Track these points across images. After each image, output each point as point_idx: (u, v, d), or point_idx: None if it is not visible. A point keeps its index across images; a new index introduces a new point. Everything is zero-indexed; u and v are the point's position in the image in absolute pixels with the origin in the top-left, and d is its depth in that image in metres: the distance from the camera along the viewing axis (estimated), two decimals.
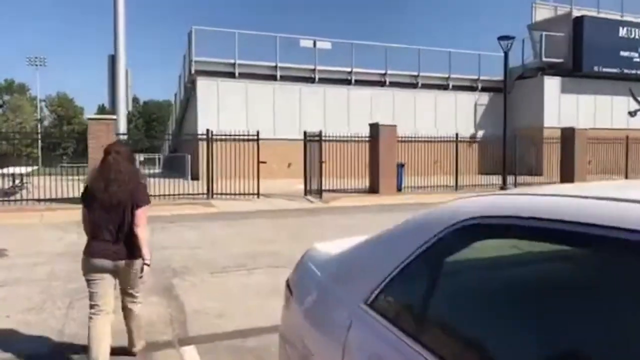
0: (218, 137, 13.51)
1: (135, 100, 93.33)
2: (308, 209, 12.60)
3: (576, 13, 25.88)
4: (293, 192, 15.64)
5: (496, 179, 17.22)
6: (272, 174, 18.65)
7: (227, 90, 21.82)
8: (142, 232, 3.33)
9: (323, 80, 23.79)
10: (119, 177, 3.32)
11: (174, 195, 13.10)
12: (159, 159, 36.38)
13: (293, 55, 23.64)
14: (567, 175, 18.07)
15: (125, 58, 23.08)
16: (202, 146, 14.54)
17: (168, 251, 7.30)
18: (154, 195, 13.00)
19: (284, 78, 23.10)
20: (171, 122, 33.38)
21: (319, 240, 2.52)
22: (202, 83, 21.63)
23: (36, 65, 68.79)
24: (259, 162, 13.63)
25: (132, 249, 3.35)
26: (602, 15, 26.53)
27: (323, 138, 13.97)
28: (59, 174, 13.69)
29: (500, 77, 28.08)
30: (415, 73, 25.71)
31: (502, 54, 27.85)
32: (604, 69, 26.07)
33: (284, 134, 22.23)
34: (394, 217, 2.49)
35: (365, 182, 15.78)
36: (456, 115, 26.36)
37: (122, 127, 22.24)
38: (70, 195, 12.71)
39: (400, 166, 15.89)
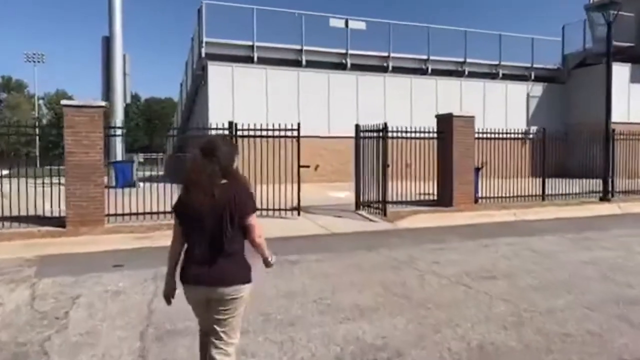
0: (245, 132, 9.85)
1: (136, 97, 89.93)
2: (373, 233, 8.93)
3: None
4: (336, 205, 11.97)
5: (588, 185, 13.52)
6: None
7: (243, 77, 18.17)
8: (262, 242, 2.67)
9: (356, 67, 20.13)
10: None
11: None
12: (161, 160, 32.78)
13: (321, 38, 19.99)
14: None
15: (122, 40, 19.47)
16: None
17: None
18: (142, 214, 9.37)
19: (310, 64, 19.44)
20: (176, 117, 29.63)
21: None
22: (214, 69, 17.98)
23: (34, 62, 65.68)
24: (299, 166, 9.97)
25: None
26: None
27: (384, 134, 10.27)
28: (42, 176, 10.09)
29: (556, 65, 24.53)
30: (461, 59, 22.03)
31: (559, 39, 24.42)
32: None
33: (310, 130, 18.51)
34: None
35: (427, 189, 12.07)
36: (506, 107, 22.69)
37: (119, 119, 18.67)
38: (35, 213, 9.07)
39: (477, 170, 12.23)
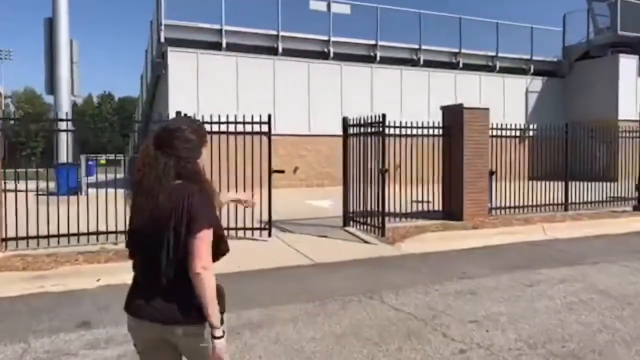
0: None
1: (110, 96, 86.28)
2: (371, 263, 6.58)
3: None
4: (319, 218, 9.63)
5: (603, 189, 11.39)
6: (273, 182, 12.56)
7: (210, 66, 15.68)
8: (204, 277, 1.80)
9: (339, 56, 17.79)
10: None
11: (109, 233, 7.00)
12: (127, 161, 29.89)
13: (300, 22, 17.59)
14: None
15: (68, 23, 16.80)
16: None
17: None
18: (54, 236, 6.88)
19: (287, 52, 17.04)
20: (137, 114, 26.80)
21: None
22: (175, 56, 15.45)
23: (1, 58, 62.34)
24: (271, 170, 7.56)
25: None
26: None
27: (383, 129, 7.88)
28: None
29: (557, 58, 22.57)
30: (456, 50, 19.88)
31: (560, 29, 22.45)
32: None
33: (288, 127, 16.20)
34: None
35: (423, 194, 9.67)
36: (504, 103, 20.59)
37: (64, 113, 15.90)
38: None
39: (490, 174, 10.00)
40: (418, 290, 5.24)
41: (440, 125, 9.69)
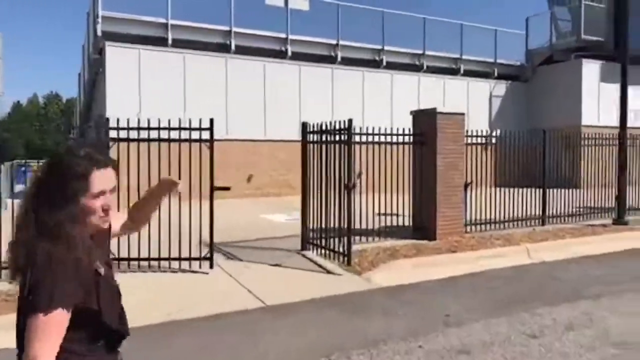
0: (130, 132, 5.97)
1: (57, 96, 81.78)
2: (336, 303, 5.34)
3: None
4: (274, 238, 8.36)
5: (573, 198, 10.65)
6: (223, 193, 11.18)
7: (154, 63, 14.14)
8: None
9: (298, 56, 16.56)
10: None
11: None
12: None
13: (255, 18, 16.27)
14: None
15: None
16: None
17: None
18: None
19: (241, 50, 15.67)
20: (75, 117, 24.66)
21: None
22: (114, 51, 13.83)
23: None
24: (214, 187, 6.22)
25: None
26: None
27: (349, 136, 6.65)
28: None
29: (521, 62, 22.10)
30: (419, 51, 19.02)
31: (524, 32, 22.01)
32: None
33: (242, 131, 14.87)
34: None
35: (388, 206, 8.49)
36: (468, 107, 19.86)
37: None
38: None
39: (465, 187, 8.99)
40: (397, 349, 4.06)
41: (411, 132, 8.61)
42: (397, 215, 8.73)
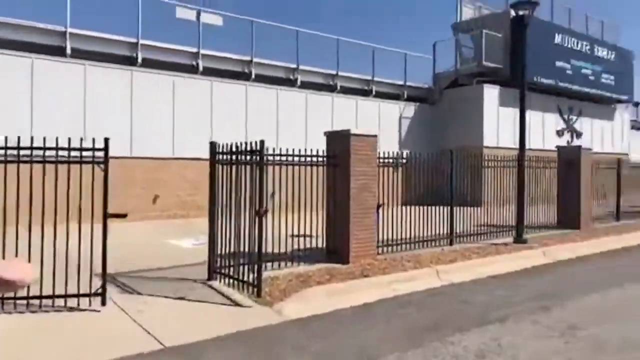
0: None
1: None
2: (243, 342, 4.96)
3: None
4: (179, 266, 7.79)
5: (485, 216, 11.16)
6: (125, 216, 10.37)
7: (50, 75, 12.97)
8: None
9: (210, 72, 16.03)
10: None
11: None
12: None
13: (165, 31, 15.59)
14: (571, 205, 12.77)
15: None
16: None
17: None
18: None
19: (149, 63, 14.87)
20: None
21: None
22: (2, 60, 12.51)
23: None
24: (107, 214, 5.61)
25: None
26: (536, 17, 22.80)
27: (261, 157, 6.34)
28: None
29: (428, 85, 23.08)
30: (333, 72, 19.24)
31: (431, 57, 23.03)
32: (542, 80, 22.32)
33: (148, 149, 14.05)
34: None
35: (301, 226, 8.30)
36: (379, 128, 20.37)
37: None
38: None
39: (378, 208, 9.00)
40: None
41: (324, 153, 8.47)
42: (312, 236, 8.53)
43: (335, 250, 8.28)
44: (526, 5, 10.60)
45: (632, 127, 31.64)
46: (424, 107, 22.26)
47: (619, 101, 27.80)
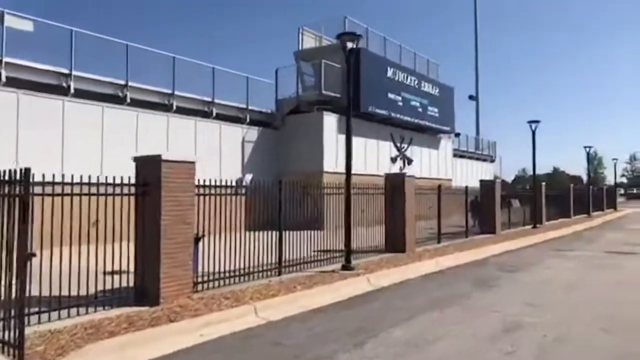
0: None
1: None
2: None
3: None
4: None
5: (323, 239, 11.10)
6: None
7: None
8: None
9: (18, 83, 13.91)
10: None
11: None
12: None
13: None
14: (397, 229, 13.35)
15: None
16: None
17: None
18: None
19: None
20: None
21: None
22: None
23: None
24: None
25: None
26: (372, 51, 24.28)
27: (26, 188, 5.19)
28: None
29: (271, 110, 23.00)
30: (169, 91, 18.13)
31: (274, 82, 23.05)
32: (377, 110, 23.70)
33: None
34: None
35: (115, 261, 7.28)
36: (221, 152, 19.77)
37: None
38: None
39: (197, 241, 8.23)
40: None
41: (134, 181, 7.51)
42: (120, 273, 7.48)
43: (144, 290, 7.31)
44: (351, 37, 10.86)
45: (455, 155, 35.34)
46: (267, 132, 22.15)
47: (443, 132, 30.84)
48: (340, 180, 12.33)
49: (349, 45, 10.78)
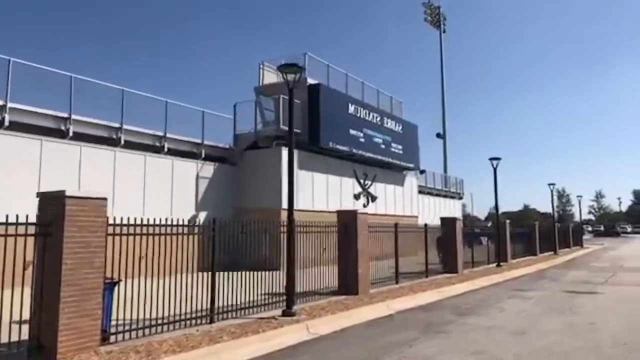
0: None
1: None
2: None
3: (310, 80, 22.58)
4: None
5: (274, 280, 10.30)
6: None
7: None
8: None
9: None
10: None
11: None
12: None
13: None
14: (350, 269, 12.67)
15: None
16: None
17: None
18: None
19: None
20: None
21: None
22: None
23: None
24: None
25: None
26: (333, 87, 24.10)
27: None
28: None
29: (229, 145, 22.37)
30: (117, 124, 17.37)
31: (232, 117, 22.51)
32: (338, 146, 23.31)
33: None
34: None
35: (23, 308, 6.43)
36: (172, 188, 18.94)
37: None
38: None
39: (112, 286, 7.38)
40: None
41: (36, 220, 6.70)
42: (20, 323, 6.58)
43: (40, 345, 6.41)
44: (293, 69, 10.44)
45: (422, 192, 35.14)
46: (224, 167, 21.46)
47: (407, 168, 30.62)
48: (301, 218, 11.71)
49: (290, 77, 10.33)
